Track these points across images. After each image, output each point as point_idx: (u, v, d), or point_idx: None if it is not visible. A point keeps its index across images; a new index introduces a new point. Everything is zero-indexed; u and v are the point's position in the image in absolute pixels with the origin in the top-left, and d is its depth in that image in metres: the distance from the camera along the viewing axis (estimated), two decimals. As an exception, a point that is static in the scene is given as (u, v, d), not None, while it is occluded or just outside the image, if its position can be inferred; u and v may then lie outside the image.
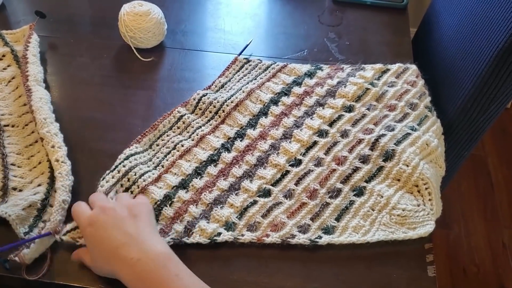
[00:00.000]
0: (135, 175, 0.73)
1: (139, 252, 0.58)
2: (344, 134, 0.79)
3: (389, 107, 0.83)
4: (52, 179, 0.72)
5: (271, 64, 0.92)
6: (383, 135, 0.77)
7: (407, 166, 0.73)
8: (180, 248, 0.65)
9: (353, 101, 0.84)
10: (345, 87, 0.86)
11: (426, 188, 0.71)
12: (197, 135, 0.80)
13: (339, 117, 0.82)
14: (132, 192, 0.71)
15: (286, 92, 0.87)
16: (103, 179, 0.71)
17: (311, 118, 0.82)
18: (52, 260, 0.65)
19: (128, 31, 0.93)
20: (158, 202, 0.70)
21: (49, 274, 0.64)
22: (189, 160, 0.76)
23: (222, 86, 0.88)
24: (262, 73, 0.91)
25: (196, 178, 0.74)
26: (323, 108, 0.83)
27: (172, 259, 0.59)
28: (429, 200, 0.71)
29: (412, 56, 0.95)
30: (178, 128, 0.81)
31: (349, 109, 0.83)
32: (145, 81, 0.91)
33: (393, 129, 0.78)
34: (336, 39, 0.98)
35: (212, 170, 0.75)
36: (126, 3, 0.93)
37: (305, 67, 0.91)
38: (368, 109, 0.83)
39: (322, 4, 1.07)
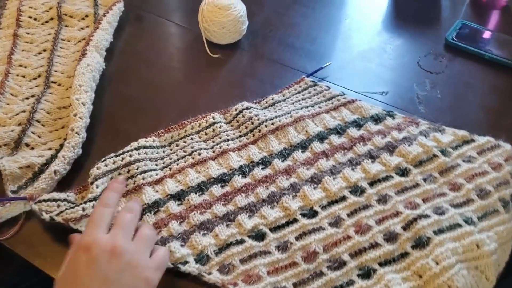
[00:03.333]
0: (137, 169, 0.69)
1: None
2: (382, 199, 0.67)
3: (452, 185, 0.68)
4: (62, 147, 0.72)
5: (338, 95, 0.82)
6: (426, 216, 0.63)
7: (437, 263, 0.58)
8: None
9: (411, 165, 0.71)
10: (409, 145, 0.73)
11: (449, 302, 0.56)
12: (220, 148, 0.74)
13: (386, 178, 0.69)
14: (126, 186, 0.68)
15: (339, 131, 0.76)
16: (103, 161, 0.69)
17: (352, 169, 0.71)
18: (21, 228, 0.65)
19: (203, 22, 0.90)
20: (145, 206, 0.66)
21: (12, 240, 0.64)
22: (199, 172, 0.71)
23: (273, 104, 0.81)
24: (324, 102, 0.81)
25: (196, 193, 0.68)
26: (372, 162, 0.72)
27: None
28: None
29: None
30: (206, 134, 0.76)
31: (403, 172, 0.70)
32: (202, 77, 0.88)
33: (442, 213, 0.64)
34: (428, 88, 0.84)
35: (216, 190, 0.68)
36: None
37: (375, 110, 0.79)
38: (425, 179, 0.69)
39: (431, 45, 0.93)
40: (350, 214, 0.66)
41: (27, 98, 0.80)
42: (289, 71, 0.88)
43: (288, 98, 0.83)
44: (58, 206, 0.64)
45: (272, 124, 0.77)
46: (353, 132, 0.76)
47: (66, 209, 0.63)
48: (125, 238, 0.52)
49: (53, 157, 0.70)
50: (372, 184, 0.69)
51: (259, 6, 1.02)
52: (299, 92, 0.83)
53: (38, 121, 0.76)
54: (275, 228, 0.64)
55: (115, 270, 0.49)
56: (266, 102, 0.82)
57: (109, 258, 0.49)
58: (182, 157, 0.73)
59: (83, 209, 0.63)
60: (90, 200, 0.64)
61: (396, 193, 0.68)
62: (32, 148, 0.73)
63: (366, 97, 0.83)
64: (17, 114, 0.76)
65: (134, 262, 0.50)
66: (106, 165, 0.69)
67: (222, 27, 0.89)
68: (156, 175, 0.70)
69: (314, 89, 0.84)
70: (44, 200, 0.64)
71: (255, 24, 0.96)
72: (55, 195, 0.65)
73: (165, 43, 0.95)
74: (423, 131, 0.76)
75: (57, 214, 0.62)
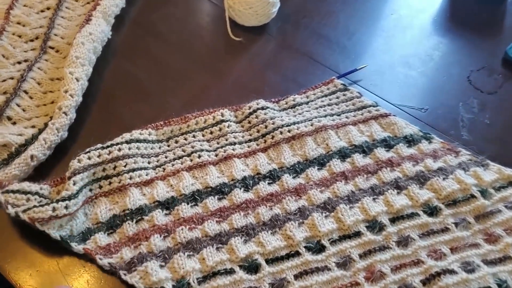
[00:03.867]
0: (124, 166, 0.61)
1: None
2: (403, 241, 0.57)
3: (488, 236, 0.58)
4: (46, 127, 0.64)
5: (370, 105, 0.71)
6: (452, 271, 0.53)
7: (459, 338, 0.49)
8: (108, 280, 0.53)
9: (443, 203, 0.60)
10: (444, 179, 0.62)
11: None
12: (224, 152, 0.64)
13: (411, 216, 0.59)
14: (110, 184, 0.60)
15: (365, 150, 0.66)
16: (86, 153, 0.60)
17: (373, 199, 0.61)
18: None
19: (229, -2, 0.79)
20: (127, 211, 0.58)
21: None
22: (195, 177, 0.62)
23: (293, 106, 0.71)
24: (353, 111, 0.71)
25: (188, 203, 0.59)
26: (398, 193, 0.61)
27: None
28: None
29: None
30: (211, 133, 0.67)
31: (432, 211, 0.60)
32: (218, 63, 0.77)
33: (472, 270, 0.53)
34: (475, 110, 0.73)
35: (211, 202, 0.59)
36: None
37: (410, 129, 0.69)
38: (457, 223, 0.59)
39: (487, 59, 0.80)
40: (363, 255, 0.56)
41: (19, 63, 0.71)
42: (318, 67, 0.77)
43: (312, 101, 0.72)
44: (28, 200, 0.56)
45: (289, 131, 0.67)
46: (381, 153, 0.66)
47: (34, 206, 0.54)
48: None
49: (34, 138, 0.62)
50: (393, 220, 0.59)
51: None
52: (325, 96, 0.73)
53: (26, 92, 0.67)
54: (272, 260, 0.55)
55: None
56: (286, 103, 0.71)
57: None
58: (179, 157, 0.64)
59: (53, 209, 0.54)
60: (64, 199, 0.55)
61: (420, 236, 0.58)
62: (14, 123, 0.64)
63: (402, 111, 0.72)
64: (4, 80, 0.68)
65: None
66: (89, 158, 0.60)
67: (249, 7, 0.78)
68: (146, 175, 0.61)
69: (344, 95, 0.73)
70: (13, 191, 0.56)
71: (288, 7, 0.85)
72: (26, 186, 0.57)
73: (182, 17, 0.84)
74: (462, 163, 0.65)
75: (24, 211, 0.54)
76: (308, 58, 0.79)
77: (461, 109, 0.73)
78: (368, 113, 0.71)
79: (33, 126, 0.64)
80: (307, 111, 0.70)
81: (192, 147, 0.65)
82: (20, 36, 0.75)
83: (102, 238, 0.56)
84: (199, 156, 0.63)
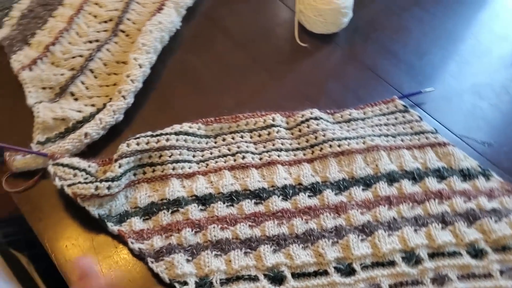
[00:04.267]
0: (169, 156, 0.62)
1: None
2: (439, 280, 0.54)
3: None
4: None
5: (429, 132, 0.68)
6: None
7: None
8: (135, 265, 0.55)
9: (491, 247, 0.56)
10: (496, 221, 0.58)
11: None
12: (269, 157, 0.64)
13: (453, 254, 0.56)
14: (154, 171, 0.61)
15: (416, 177, 0.63)
16: (135, 138, 0.62)
17: (415, 230, 0.58)
18: (35, 185, 0.60)
19: (300, 2, 0.78)
20: (164, 201, 0.59)
21: (21, 196, 0.60)
22: (236, 178, 0.62)
23: (348, 121, 0.69)
24: (409, 135, 0.68)
25: (224, 203, 0.59)
26: (442, 228, 0.58)
27: None
28: None
29: None
30: (259, 136, 0.67)
31: (477, 253, 0.56)
32: (279, 65, 0.77)
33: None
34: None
35: (247, 206, 0.59)
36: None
37: (468, 162, 0.65)
38: (502, 272, 0.54)
39: None
40: (393, 287, 0.54)
41: (90, 42, 0.75)
42: (381, 84, 0.75)
43: (369, 118, 0.70)
44: (75, 175, 0.58)
45: (339, 146, 0.65)
46: (432, 183, 0.63)
47: (79, 182, 0.57)
48: None
49: (92, 116, 0.65)
50: (432, 256, 0.56)
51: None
52: (383, 115, 0.70)
53: (92, 71, 0.71)
54: (298, 275, 0.54)
55: None
56: (341, 116, 0.70)
57: None
58: (224, 156, 0.64)
59: (96, 188, 0.56)
60: (107, 180, 0.57)
61: (459, 278, 0.55)
62: (76, 99, 0.68)
63: (463, 142, 0.68)
64: (74, 57, 0.72)
65: None
66: (138, 144, 0.62)
67: (319, 14, 0.77)
68: (189, 168, 0.62)
69: (403, 116, 0.70)
70: (63, 165, 0.59)
71: (360, 18, 0.83)
72: (76, 162, 0.59)
73: (251, 14, 0.85)
74: (522, 208, 0.61)
75: (69, 185, 0.57)
76: (372, 73, 0.76)
77: (534, 150, 0.68)
78: (425, 139, 0.67)
79: (92, 105, 0.67)
80: (361, 127, 0.68)
81: (238, 147, 0.65)
82: (95, 16, 0.78)
83: (137, 223, 0.58)
84: (243, 157, 0.64)
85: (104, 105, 0.66)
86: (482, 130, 0.70)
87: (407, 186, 0.62)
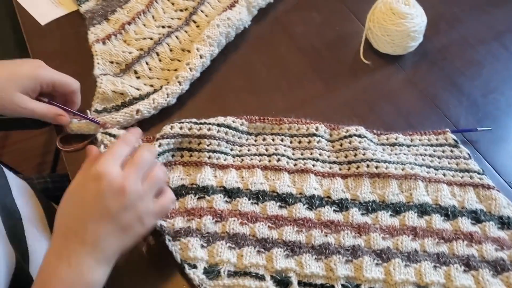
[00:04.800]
0: (208, 145, 0.65)
1: (82, 263, 0.48)
2: (448, 324, 0.52)
3: None
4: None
5: (475, 171, 0.65)
6: None
7: None
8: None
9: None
10: (524, 277, 0.55)
11: None
12: (304, 164, 0.65)
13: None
14: (190, 156, 0.65)
15: (449, 214, 0.61)
16: (180, 123, 0.65)
17: (434, 266, 0.56)
18: (82, 149, 0.66)
19: (370, 20, 0.78)
20: (194, 186, 0.62)
21: (70, 156, 0.65)
22: (267, 178, 0.64)
23: (393, 145, 0.68)
24: (453, 171, 0.66)
25: (250, 199, 0.61)
26: (464, 271, 0.56)
27: None
28: None
29: None
30: (299, 143, 0.68)
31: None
32: (336, 78, 0.77)
33: None
34: None
35: (271, 207, 0.61)
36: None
37: (511, 211, 0.62)
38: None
39: None
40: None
41: (162, 27, 0.79)
42: (436, 114, 0.73)
43: (415, 146, 0.68)
44: None
45: (376, 167, 0.65)
46: (465, 224, 0.61)
47: None
48: (136, 179, 0.51)
49: (147, 96, 0.69)
50: (449, 298, 0.55)
51: (450, 26, 0.85)
52: (431, 145, 0.69)
53: (157, 54, 0.75)
54: (305, 284, 0.55)
55: (117, 207, 0.49)
56: (387, 139, 0.69)
57: (115, 195, 0.49)
58: (260, 155, 0.66)
59: None
60: None
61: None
62: (138, 78, 0.73)
63: (510, 189, 0.65)
64: (144, 38, 0.76)
65: (138, 205, 0.50)
66: (180, 128, 0.65)
67: (387, 34, 0.76)
68: (224, 160, 0.65)
69: (451, 151, 0.68)
70: (110, 134, 0.63)
71: (431, 44, 0.81)
72: (122, 134, 0.64)
73: (321, 24, 0.85)
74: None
75: None
76: (429, 101, 0.74)
77: None
78: (469, 178, 0.65)
79: (151, 85, 0.72)
80: (405, 154, 0.67)
81: (276, 149, 0.66)
82: (173, 4, 0.83)
83: None
84: (278, 160, 0.65)
85: (161, 87, 0.70)
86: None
87: (437, 221, 0.61)
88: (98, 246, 0.48)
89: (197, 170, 0.64)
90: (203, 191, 0.61)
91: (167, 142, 0.64)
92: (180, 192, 0.62)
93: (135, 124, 0.68)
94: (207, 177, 0.63)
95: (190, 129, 0.65)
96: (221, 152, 0.65)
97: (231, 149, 0.66)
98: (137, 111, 0.66)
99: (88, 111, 0.67)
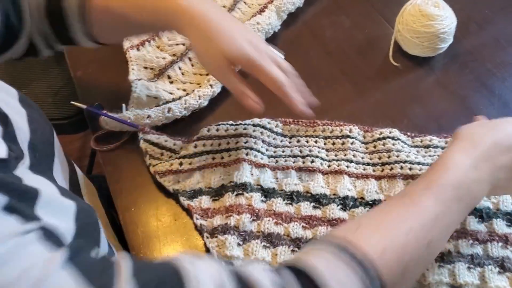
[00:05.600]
0: (245, 142, 0.67)
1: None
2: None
3: None
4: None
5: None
6: None
7: None
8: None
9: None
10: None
11: None
12: (338, 166, 0.66)
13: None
14: (229, 156, 0.66)
15: (484, 215, 0.61)
16: (217, 125, 0.68)
17: (468, 268, 0.56)
18: (116, 148, 0.68)
19: (400, 23, 0.79)
20: (232, 183, 0.63)
21: (106, 156, 0.68)
22: (301, 179, 0.65)
23: (427, 147, 0.68)
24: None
25: (284, 200, 0.63)
26: (499, 273, 0.56)
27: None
28: None
29: None
30: (333, 144, 0.69)
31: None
32: (366, 80, 0.78)
33: None
34: None
35: (305, 207, 0.62)
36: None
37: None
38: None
39: None
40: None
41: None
42: (467, 116, 0.70)
43: (449, 147, 0.69)
44: (162, 154, 0.66)
45: (410, 169, 0.65)
46: (500, 225, 0.60)
47: (160, 160, 0.65)
48: None
49: (181, 99, 0.71)
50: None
51: (480, 27, 0.85)
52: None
53: (190, 59, 0.77)
54: None
55: None
56: (421, 141, 0.69)
57: None
58: (294, 156, 0.67)
59: (170, 165, 0.64)
60: (179, 157, 0.64)
61: (508, 326, 0.53)
62: (171, 82, 0.75)
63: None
64: (177, 44, 0.79)
65: None
66: (217, 130, 0.67)
67: (416, 36, 0.77)
68: (261, 159, 0.66)
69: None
70: (153, 143, 0.66)
71: (462, 45, 0.81)
72: (164, 141, 0.67)
73: (350, 27, 0.86)
74: None
75: (153, 165, 0.65)
76: (461, 103, 0.75)
77: None
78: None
79: (184, 90, 0.74)
80: (439, 156, 0.67)
81: (310, 150, 0.67)
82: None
83: (206, 201, 0.64)
84: (312, 161, 0.66)
85: (193, 91, 0.72)
86: None
87: (472, 223, 0.61)
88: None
89: (235, 168, 0.65)
90: (241, 187, 0.63)
91: (202, 143, 0.66)
92: (220, 192, 0.64)
93: (172, 125, 0.70)
94: (244, 174, 0.64)
95: (226, 130, 0.67)
96: (258, 151, 0.67)
97: (266, 150, 0.68)
98: (168, 109, 0.68)
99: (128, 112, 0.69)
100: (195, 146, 0.66)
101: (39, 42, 0.65)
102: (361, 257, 0.43)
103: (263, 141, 0.68)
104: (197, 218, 0.62)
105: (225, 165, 0.66)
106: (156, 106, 0.70)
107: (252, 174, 0.65)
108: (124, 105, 0.70)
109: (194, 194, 0.64)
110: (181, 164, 0.64)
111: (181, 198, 0.63)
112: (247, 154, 0.66)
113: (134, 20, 0.61)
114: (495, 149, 0.53)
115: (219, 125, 0.68)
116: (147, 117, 0.68)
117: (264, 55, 0.59)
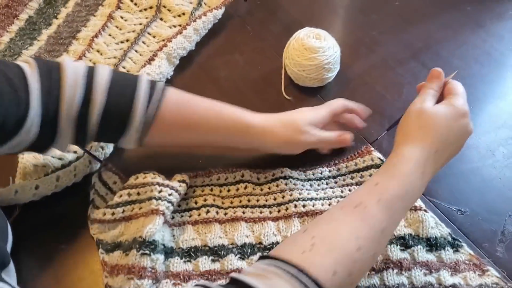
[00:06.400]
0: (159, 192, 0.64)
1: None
2: None
3: None
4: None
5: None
6: None
7: None
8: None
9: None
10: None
11: None
12: (234, 213, 0.66)
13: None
14: (140, 209, 0.63)
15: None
16: (145, 173, 0.67)
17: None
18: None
19: (286, 57, 0.81)
20: (140, 239, 0.59)
21: None
22: (198, 233, 0.64)
23: (319, 179, 0.70)
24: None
25: (182, 258, 0.62)
26: (396, 300, 0.58)
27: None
28: None
29: None
30: (228, 191, 0.68)
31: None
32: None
33: None
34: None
35: (203, 264, 0.61)
36: (310, 27, 0.80)
37: (438, 231, 0.63)
38: None
39: None
40: None
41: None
42: (361, 141, 0.75)
43: (342, 175, 0.71)
44: (106, 194, 0.67)
45: (303, 206, 0.66)
46: (394, 252, 0.62)
47: (97, 207, 0.66)
48: None
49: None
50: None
51: (369, 50, 0.88)
52: (358, 171, 0.70)
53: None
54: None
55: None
56: (313, 174, 0.71)
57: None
58: (189, 209, 0.67)
59: (104, 214, 0.64)
60: (106, 207, 0.65)
61: None
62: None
63: (436, 209, 0.67)
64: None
65: None
66: (144, 177, 0.66)
67: (302, 70, 0.78)
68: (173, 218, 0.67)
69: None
70: (102, 182, 0.68)
71: (351, 70, 0.83)
72: (112, 183, 0.68)
73: (244, 65, 0.87)
74: (484, 285, 0.59)
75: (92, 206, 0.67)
76: (352, 130, 0.74)
77: (508, 220, 0.66)
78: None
79: (75, 152, 0.72)
80: (331, 187, 0.69)
81: (205, 200, 0.67)
82: (94, 63, 0.84)
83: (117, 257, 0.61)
84: (208, 212, 0.66)
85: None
86: (462, 193, 0.69)
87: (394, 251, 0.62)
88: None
89: (149, 221, 0.61)
90: (149, 246, 0.59)
91: (127, 192, 0.65)
92: (130, 246, 0.60)
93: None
94: (154, 227, 0.60)
95: (153, 178, 0.65)
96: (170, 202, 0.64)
97: (179, 205, 0.68)
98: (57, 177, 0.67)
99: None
100: (120, 196, 0.64)
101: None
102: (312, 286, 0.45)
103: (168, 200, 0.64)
104: (106, 276, 0.60)
105: (140, 216, 0.63)
106: (45, 175, 0.69)
107: (162, 232, 0.62)
108: (11, 178, 0.67)
109: (113, 248, 0.62)
110: (104, 214, 0.63)
111: (100, 251, 0.62)
112: (157, 205, 0.62)
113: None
114: (438, 143, 0.58)
115: (147, 172, 0.66)
116: (35, 188, 0.66)
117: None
